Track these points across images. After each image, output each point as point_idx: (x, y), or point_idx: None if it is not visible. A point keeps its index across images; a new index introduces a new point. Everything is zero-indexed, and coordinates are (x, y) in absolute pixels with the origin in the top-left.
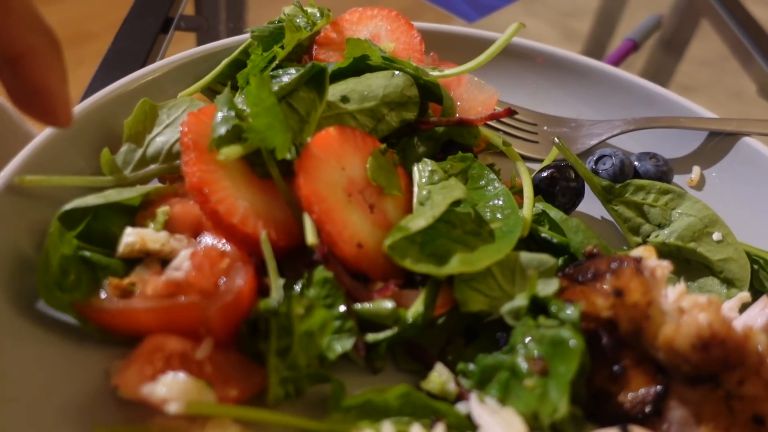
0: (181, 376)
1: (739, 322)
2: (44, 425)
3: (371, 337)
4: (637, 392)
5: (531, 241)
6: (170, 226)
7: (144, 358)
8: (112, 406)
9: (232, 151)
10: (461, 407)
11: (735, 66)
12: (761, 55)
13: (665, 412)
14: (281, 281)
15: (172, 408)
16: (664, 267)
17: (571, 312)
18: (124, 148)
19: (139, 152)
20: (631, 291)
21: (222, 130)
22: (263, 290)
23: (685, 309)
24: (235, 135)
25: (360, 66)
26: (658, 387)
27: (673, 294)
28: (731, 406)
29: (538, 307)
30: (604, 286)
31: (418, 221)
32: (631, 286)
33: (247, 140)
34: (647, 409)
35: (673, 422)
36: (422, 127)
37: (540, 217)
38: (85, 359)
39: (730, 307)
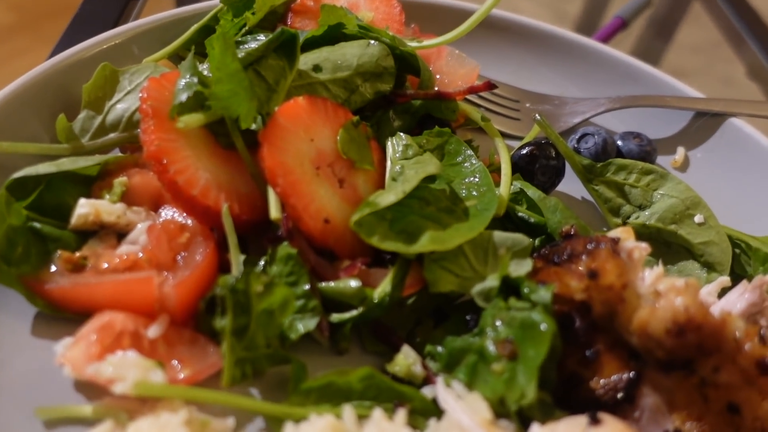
0: (131, 355)
1: (717, 307)
2: None
3: (336, 317)
4: (609, 378)
5: (507, 221)
6: (128, 198)
7: (92, 335)
8: (59, 385)
9: (193, 119)
10: (427, 391)
11: (727, 53)
12: (754, 40)
13: (637, 399)
14: (242, 257)
15: (119, 388)
16: (642, 249)
17: (543, 294)
18: (82, 115)
19: (98, 119)
20: (606, 273)
21: (183, 97)
22: (225, 266)
23: (661, 292)
24: (198, 103)
25: (335, 34)
26: (631, 373)
27: (651, 277)
28: (705, 394)
29: (510, 288)
30: (579, 268)
31: (387, 196)
32: (607, 267)
33: (209, 108)
34: (619, 396)
35: (645, 409)
36: (398, 100)
37: (518, 196)
38: (33, 336)
39: (708, 291)
